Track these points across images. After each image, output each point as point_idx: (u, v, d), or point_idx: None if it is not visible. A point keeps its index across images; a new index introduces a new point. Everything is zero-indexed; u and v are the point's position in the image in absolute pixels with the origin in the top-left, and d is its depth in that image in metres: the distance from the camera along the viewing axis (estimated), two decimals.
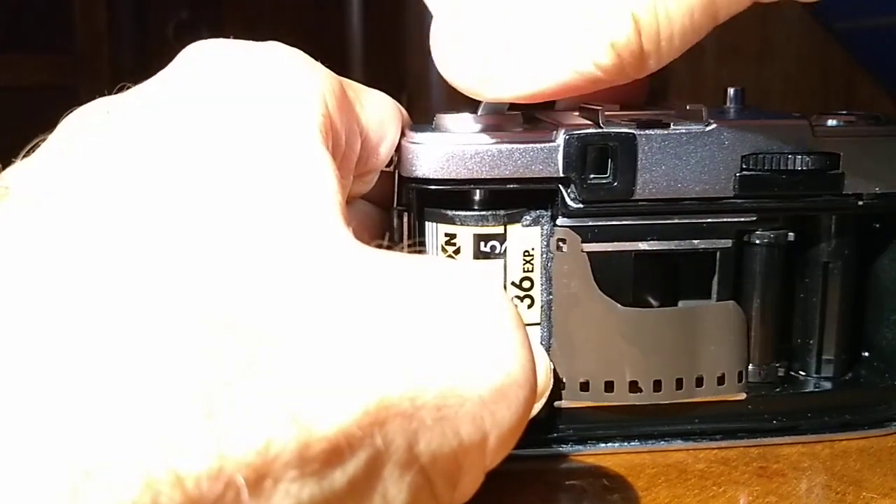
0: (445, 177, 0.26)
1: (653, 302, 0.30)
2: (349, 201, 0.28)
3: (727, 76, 0.82)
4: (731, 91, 0.30)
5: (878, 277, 0.30)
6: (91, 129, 0.20)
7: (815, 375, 0.30)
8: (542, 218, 0.28)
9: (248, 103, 0.21)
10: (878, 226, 0.30)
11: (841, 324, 0.30)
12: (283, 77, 0.22)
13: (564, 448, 0.28)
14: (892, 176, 0.28)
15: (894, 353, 0.30)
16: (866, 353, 0.31)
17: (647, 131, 0.27)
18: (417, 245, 0.28)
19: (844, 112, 0.29)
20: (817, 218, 0.29)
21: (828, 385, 0.30)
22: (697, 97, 0.30)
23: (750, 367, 0.29)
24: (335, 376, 0.16)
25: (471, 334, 0.18)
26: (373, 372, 0.16)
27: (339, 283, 0.17)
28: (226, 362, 0.15)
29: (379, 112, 0.26)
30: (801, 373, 0.30)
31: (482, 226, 0.27)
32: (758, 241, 0.28)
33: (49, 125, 0.21)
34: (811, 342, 0.30)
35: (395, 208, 0.28)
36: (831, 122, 0.28)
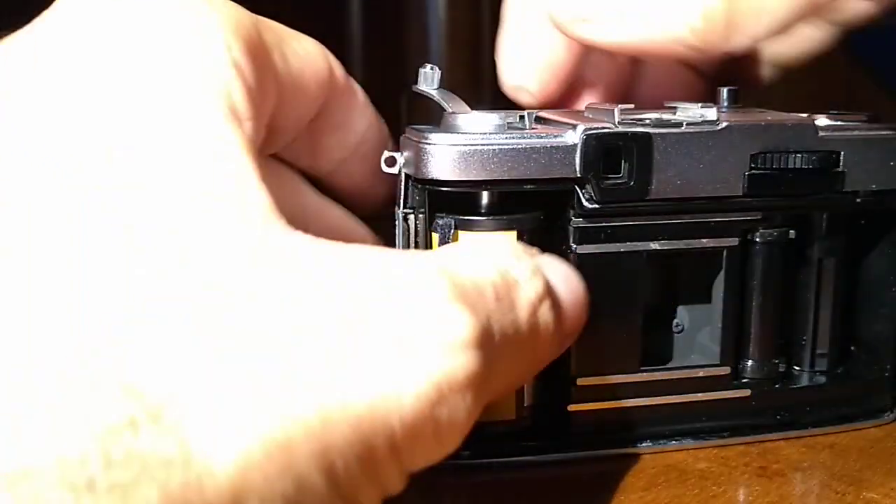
0: (460, 178, 0.26)
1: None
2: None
3: None
4: (723, 91, 0.30)
5: (867, 272, 0.31)
6: None
7: (809, 370, 0.31)
8: (555, 222, 0.27)
9: (140, 69, 0.18)
10: (867, 222, 0.30)
11: (834, 318, 0.30)
12: (179, 27, 0.20)
13: (571, 451, 0.28)
14: (888, 174, 0.28)
15: (884, 346, 0.31)
16: (856, 347, 0.32)
17: (662, 130, 0.27)
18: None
19: (845, 112, 0.29)
20: (811, 215, 0.29)
21: (822, 379, 0.30)
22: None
23: (750, 363, 0.29)
24: (226, 413, 0.15)
25: (395, 338, 0.17)
26: (273, 401, 0.15)
27: (244, 284, 0.16)
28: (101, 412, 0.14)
29: (302, 63, 0.24)
30: (795, 367, 0.31)
31: (495, 231, 0.27)
32: (760, 239, 0.28)
33: None
34: (805, 337, 0.30)
35: (401, 211, 0.27)
36: (833, 122, 0.28)
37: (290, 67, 0.24)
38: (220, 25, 0.20)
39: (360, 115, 0.28)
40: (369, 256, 0.18)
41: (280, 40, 0.23)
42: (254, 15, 0.22)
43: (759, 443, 0.29)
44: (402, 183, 0.27)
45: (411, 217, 0.27)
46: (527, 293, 0.20)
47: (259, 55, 0.21)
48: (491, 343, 0.18)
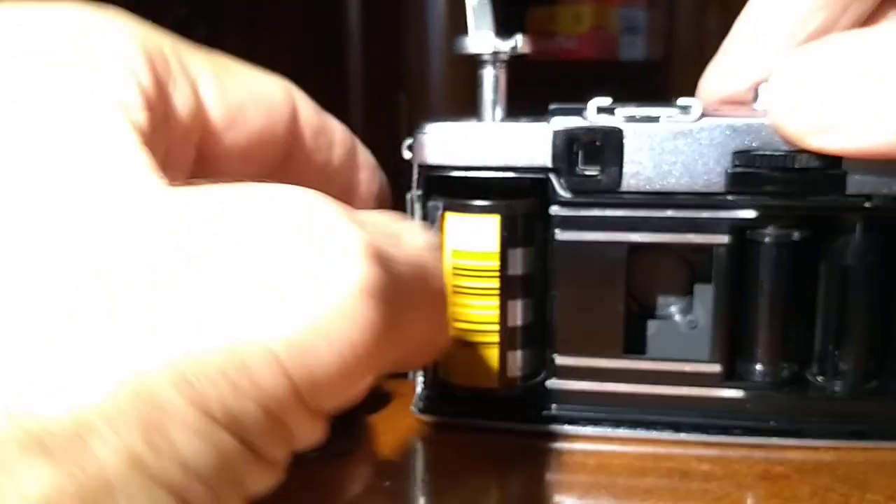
0: (445, 163, 0.28)
1: (661, 298, 0.30)
2: None
3: None
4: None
5: None
6: None
7: (831, 380, 0.29)
8: (542, 210, 0.28)
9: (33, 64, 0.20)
10: None
11: (862, 328, 0.28)
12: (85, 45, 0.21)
13: (555, 427, 0.29)
14: None
15: None
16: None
17: (634, 125, 0.27)
18: None
19: None
20: (837, 219, 0.28)
21: (840, 390, 0.28)
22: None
23: (757, 365, 0.29)
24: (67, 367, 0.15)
25: (264, 281, 0.17)
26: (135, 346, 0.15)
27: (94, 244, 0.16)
28: None
29: (245, 95, 0.25)
30: (818, 378, 0.29)
31: (480, 214, 0.28)
32: (758, 239, 0.28)
33: None
34: (830, 347, 0.29)
35: (409, 195, 0.30)
36: None
37: (227, 94, 0.25)
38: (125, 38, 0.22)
39: (342, 163, 0.30)
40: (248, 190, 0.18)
41: (215, 65, 0.25)
42: (169, 38, 0.24)
43: (763, 445, 0.28)
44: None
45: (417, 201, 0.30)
46: (414, 237, 0.22)
47: (161, 64, 0.22)
48: (383, 260, 0.18)
